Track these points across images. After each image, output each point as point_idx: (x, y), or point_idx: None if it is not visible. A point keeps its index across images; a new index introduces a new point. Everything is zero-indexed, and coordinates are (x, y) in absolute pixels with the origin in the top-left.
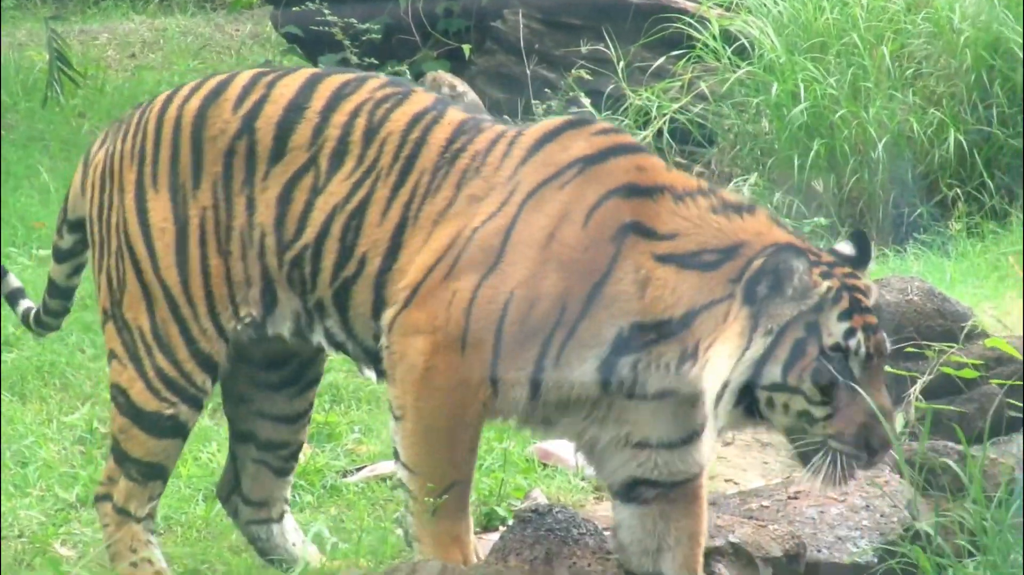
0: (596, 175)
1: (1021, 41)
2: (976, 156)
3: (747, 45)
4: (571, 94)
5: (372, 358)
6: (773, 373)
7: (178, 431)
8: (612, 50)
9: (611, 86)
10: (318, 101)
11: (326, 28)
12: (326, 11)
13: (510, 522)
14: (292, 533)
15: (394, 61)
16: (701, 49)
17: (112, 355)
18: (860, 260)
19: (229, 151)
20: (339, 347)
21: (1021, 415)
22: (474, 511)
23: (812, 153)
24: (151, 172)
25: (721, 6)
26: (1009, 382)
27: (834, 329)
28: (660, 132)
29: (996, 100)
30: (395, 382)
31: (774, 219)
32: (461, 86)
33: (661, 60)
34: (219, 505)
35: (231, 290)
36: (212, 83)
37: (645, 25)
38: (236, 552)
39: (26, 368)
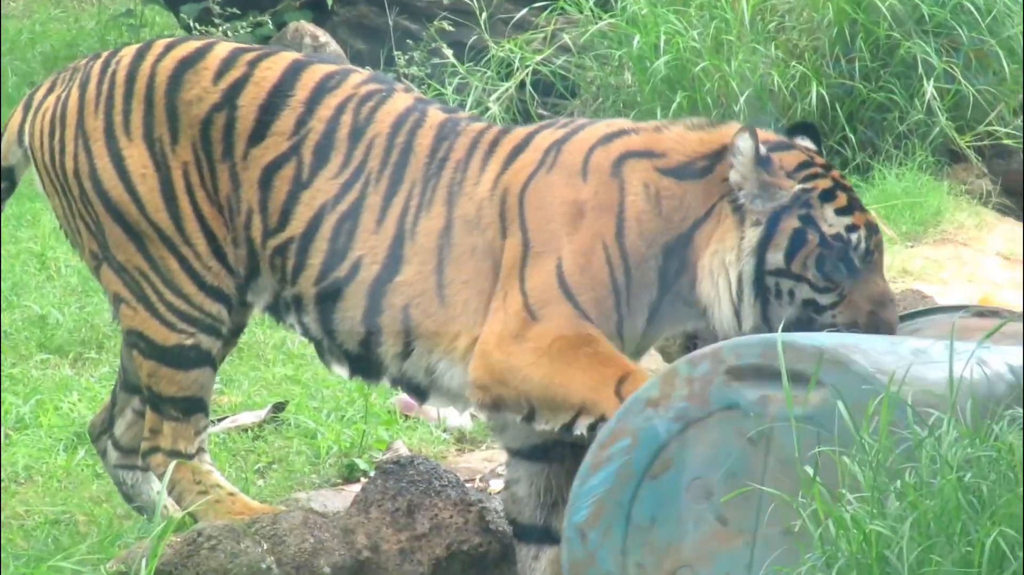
0: (571, 146)
1: None
2: (839, 110)
3: None
4: (433, 45)
5: (348, 358)
6: (776, 259)
7: (204, 360)
8: (474, 1)
9: (473, 37)
10: (302, 91)
11: None
12: None
13: (372, 474)
14: (159, 482)
15: (256, 11)
16: (564, 1)
17: (118, 299)
18: (821, 153)
19: (207, 120)
20: (312, 340)
21: None
22: (335, 463)
23: (674, 105)
24: (122, 122)
25: None
26: None
27: (833, 222)
28: (523, 84)
29: (858, 54)
30: (516, 394)
31: (711, 124)
32: (323, 37)
33: (524, 11)
34: (80, 455)
35: (232, 234)
36: (188, 47)
37: None
38: (97, 502)
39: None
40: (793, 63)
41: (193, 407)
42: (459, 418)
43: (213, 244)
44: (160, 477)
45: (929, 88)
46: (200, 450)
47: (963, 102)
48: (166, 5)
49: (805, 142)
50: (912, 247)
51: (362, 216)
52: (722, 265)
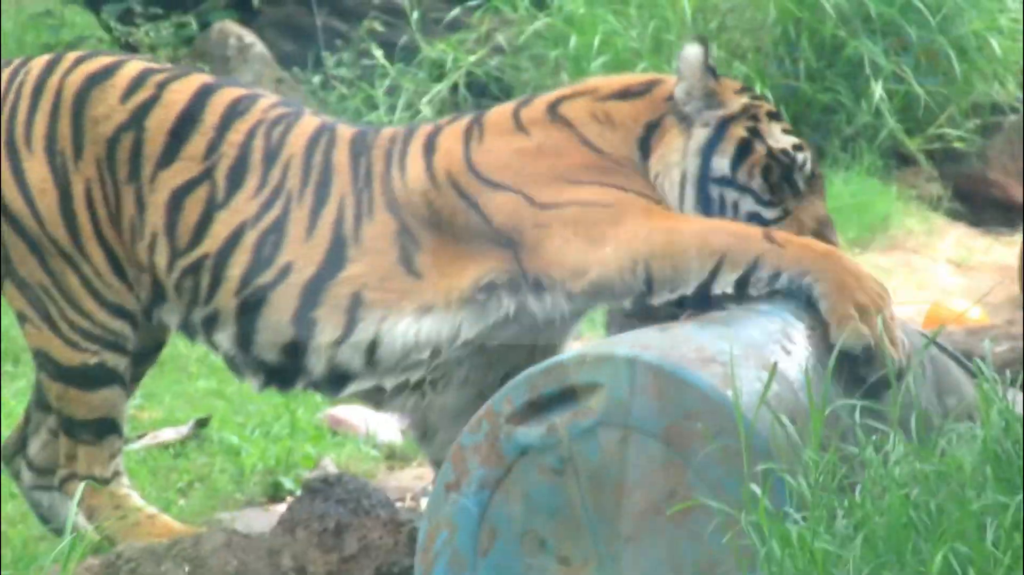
0: (492, 118)
1: None
2: (783, 112)
3: None
4: (363, 45)
5: (263, 368)
6: (722, 165)
7: (111, 378)
8: (406, 0)
9: (404, 38)
10: (212, 116)
11: None
12: None
13: (298, 493)
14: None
15: (179, 10)
16: (498, 0)
17: (22, 317)
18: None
19: (113, 139)
20: (224, 356)
21: None
22: (260, 481)
23: None
24: (24, 133)
25: None
26: None
27: (780, 138)
28: (456, 86)
29: (803, 54)
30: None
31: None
32: (249, 37)
33: (456, 11)
34: None
35: (134, 255)
36: (98, 63)
37: None
38: (12, 523)
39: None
40: (735, 63)
41: (105, 429)
42: (389, 433)
43: (113, 261)
44: (79, 504)
45: (877, 89)
46: (116, 473)
47: (912, 103)
48: (86, 5)
49: None
50: (860, 254)
51: (288, 229)
52: (667, 166)
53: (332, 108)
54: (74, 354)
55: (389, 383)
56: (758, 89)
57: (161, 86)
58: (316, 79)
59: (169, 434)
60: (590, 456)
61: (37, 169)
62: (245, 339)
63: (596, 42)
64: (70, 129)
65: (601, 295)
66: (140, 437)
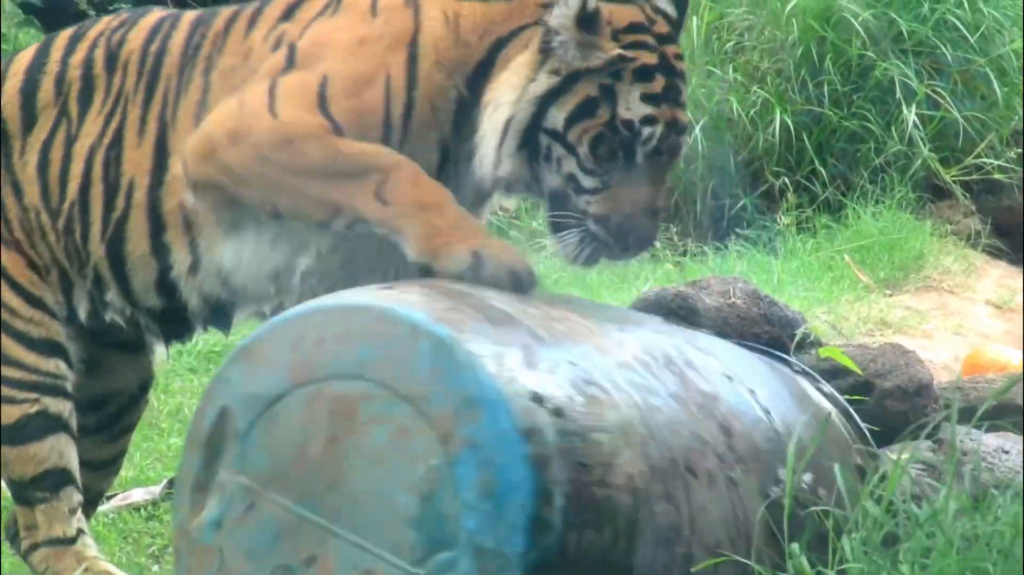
0: None
1: (855, 10)
2: (806, 140)
3: None
4: None
5: (157, 322)
6: (556, 119)
7: (55, 425)
8: None
9: None
10: (56, 52)
11: None
12: None
13: None
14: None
15: None
16: None
17: None
18: (678, 24)
19: None
20: (128, 321)
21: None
22: None
23: None
24: None
25: None
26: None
27: (634, 106)
28: None
29: (828, 77)
30: None
31: None
32: None
33: None
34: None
35: (40, 275)
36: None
37: None
38: None
39: None
40: (754, 87)
41: (59, 481)
42: None
43: (24, 294)
44: (45, 571)
45: (909, 115)
46: (80, 531)
47: (948, 130)
48: (43, 29)
49: (669, 6)
50: (891, 295)
51: (125, 136)
52: (496, 105)
53: None
54: (12, 409)
55: (269, 308)
56: (778, 115)
57: (10, 61)
58: None
59: (140, 495)
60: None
61: None
62: (126, 288)
63: None
64: None
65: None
66: (109, 498)
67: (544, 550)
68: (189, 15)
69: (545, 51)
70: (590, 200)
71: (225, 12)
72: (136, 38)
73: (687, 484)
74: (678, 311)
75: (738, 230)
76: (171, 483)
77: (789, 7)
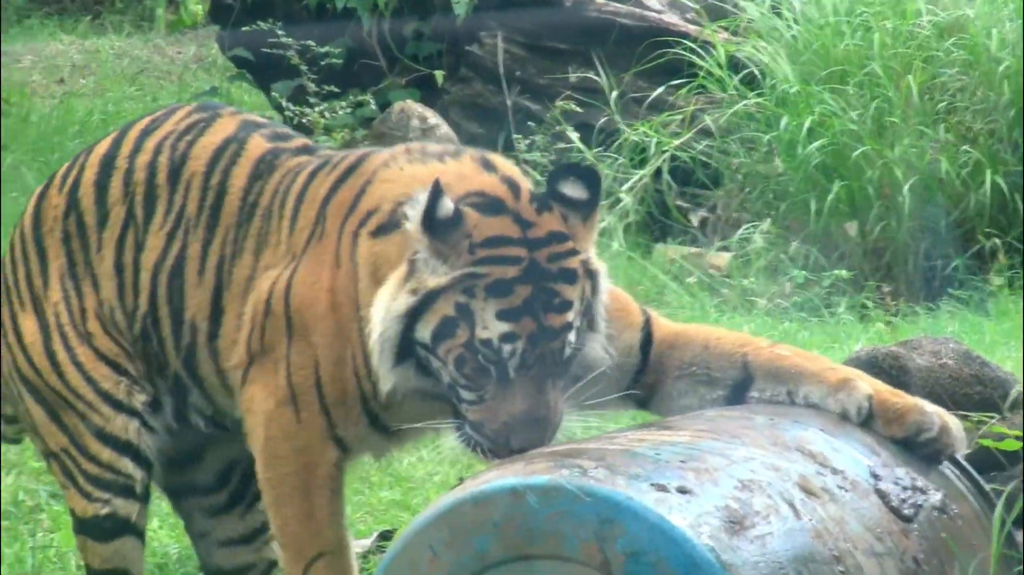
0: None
1: None
2: (1018, 201)
3: (757, 74)
4: (557, 128)
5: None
6: (424, 334)
7: (123, 528)
8: (604, 78)
9: (603, 119)
10: (126, 146)
11: (280, 51)
12: (280, 32)
13: None
14: None
15: (357, 89)
16: (704, 78)
17: (62, 486)
18: (590, 203)
19: (64, 237)
20: (217, 425)
21: None
22: None
23: (831, 196)
24: (15, 291)
25: (727, 30)
26: None
27: (490, 325)
28: (659, 172)
29: None
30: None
31: (487, 163)
32: (433, 118)
33: (660, 90)
34: None
35: (115, 368)
36: (39, 189)
37: (640, 50)
38: None
39: None
40: (965, 148)
41: None
42: None
43: (95, 388)
44: None
45: None
46: None
47: None
48: (256, 83)
49: (575, 188)
50: None
51: (186, 269)
52: (372, 319)
53: None
54: (87, 505)
55: None
56: (988, 176)
57: (89, 152)
58: None
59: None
60: None
61: (29, 325)
62: (212, 400)
63: (811, 124)
64: (36, 260)
65: None
66: None
67: None
68: (254, 148)
69: (410, 266)
70: (468, 408)
71: (279, 174)
72: (199, 159)
73: None
74: (889, 371)
75: (950, 290)
76: (381, 536)
77: (1001, 68)
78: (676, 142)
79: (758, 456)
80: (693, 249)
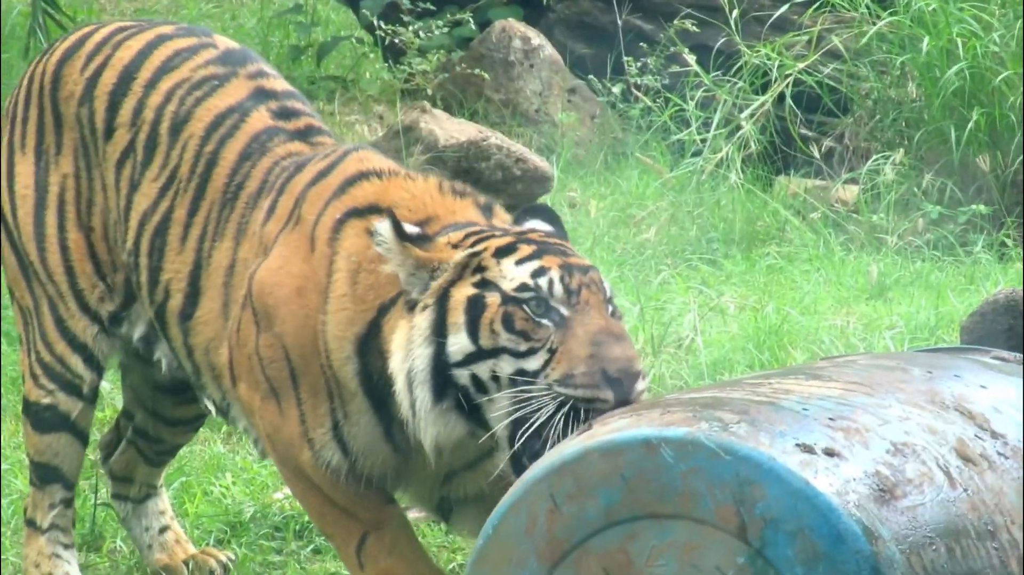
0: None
1: None
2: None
3: None
4: (672, 49)
5: (203, 389)
6: (460, 343)
7: (60, 424)
8: None
9: (722, 40)
10: (146, 71)
11: None
12: None
13: None
14: (154, 517)
15: (454, 6)
16: None
17: (20, 339)
18: (559, 236)
19: (78, 118)
20: (178, 369)
21: None
22: None
23: (969, 125)
24: (20, 132)
25: None
26: None
27: (514, 274)
28: (781, 97)
29: None
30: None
31: (456, 191)
32: (536, 39)
33: (783, 8)
34: (237, 550)
35: (97, 269)
36: (74, 36)
37: None
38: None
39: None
40: None
41: (48, 476)
42: None
43: (71, 281)
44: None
45: None
46: (54, 527)
47: None
48: (343, 0)
49: (536, 224)
50: None
51: (170, 232)
52: (393, 373)
53: (635, 124)
54: (33, 388)
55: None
56: None
57: (118, 45)
58: (616, 89)
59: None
60: None
61: (24, 173)
62: (177, 354)
63: (949, 46)
64: (52, 118)
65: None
66: (407, 509)
67: None
68: (254, 122)
69: (407, 299)
70: (547, 374)
71: (268, 160)
72: (200, 121)
73: None
74: None
75: None
76: None
77: None
78: (801, 65)
79: (913, 416)
80: (818, 182)
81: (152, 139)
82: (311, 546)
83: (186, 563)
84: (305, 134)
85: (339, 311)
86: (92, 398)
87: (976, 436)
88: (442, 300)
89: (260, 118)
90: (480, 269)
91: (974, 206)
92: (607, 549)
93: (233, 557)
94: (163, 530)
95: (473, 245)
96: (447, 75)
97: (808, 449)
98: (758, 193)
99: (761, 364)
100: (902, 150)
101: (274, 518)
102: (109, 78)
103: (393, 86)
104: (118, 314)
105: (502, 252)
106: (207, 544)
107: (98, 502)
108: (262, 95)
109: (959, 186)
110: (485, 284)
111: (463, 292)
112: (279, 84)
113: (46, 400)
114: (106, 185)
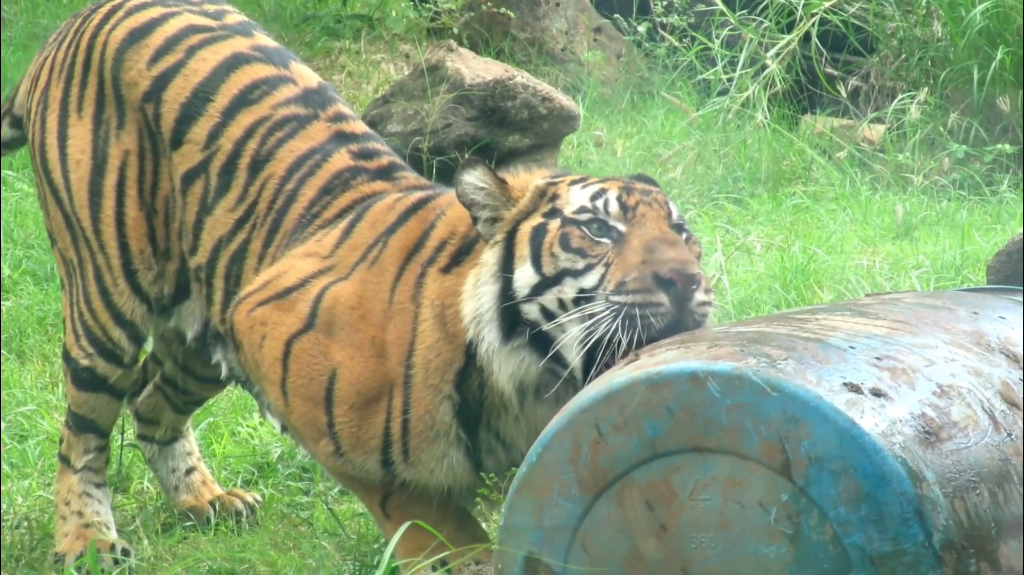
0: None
1: None
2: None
3: None
4: None
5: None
6: (528, 275)
7: (98, 385)
8: None
9: None
10: (223, 97)
11: None
12: None
13: None
14: (180, 459)
15: None
16: None
17: (62, 285)
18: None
19: (142, 110)
20: (242, 384)
21: None
22: None
23: (995, 64)
24: (77, 95)
25: None
26: None
27: (575, 198)
28: (807, 36)
29: None
30: None
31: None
32: None
33: None
34: (262, 491)
35: (154, 249)
36: (143, 17)
37: None
38: (282, 549)
39: (26, 320)
40: None
41: (84, 426)
42: None
43: (125, 258)
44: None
45: None
46: (87, 468)
47: None
48: None
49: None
50: None
51: (246, 263)
52: (466, 316)
53: (661, 63)
54: (74, 345)
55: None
56: None
57: (191, 51)
58: (642, 28)
59: None
60: None
61: (80, 137)
62: (241, 364)
63: None
64: (112, 93)
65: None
66: None
67: (940, 527)
68: (335, 163)
69: (481, 243)
70: (605, 287)
71: (356, 191)
72: (282, 162)
73: None
74: None
75: None
76: None
77: None
78: (827, 4)
79: (959, 358)
80: (844, 121)
81: (229, 170)
82: (338, 487)
83: (212, 504)
84: (387, 172)
85: (434, 358)
86: (131, 364)
87: (1022, 379)
88: (511, 235)
89: (342, 159)
90: (553, 198)
91: (999, 145)
92: (650, 481)
93: (260, 498)
94: (190, 471)
95: (549, 183)
96: (473, 14)
97: (855, 388)
98: (784, 132)
99: (787, 303)
100: (927, 89)
101: (301, 459)
102: (181, 88)
103: (419, 25)
104: (168, 307)
105: (575, 183)
106: (234, 485)
107: (125, 443)
108: (343, 138)
109: (984, 125)
110: (552, 213)
111: (530, 223)
112: (358, 127)
113: (85, 362)
114: (175, 188)
